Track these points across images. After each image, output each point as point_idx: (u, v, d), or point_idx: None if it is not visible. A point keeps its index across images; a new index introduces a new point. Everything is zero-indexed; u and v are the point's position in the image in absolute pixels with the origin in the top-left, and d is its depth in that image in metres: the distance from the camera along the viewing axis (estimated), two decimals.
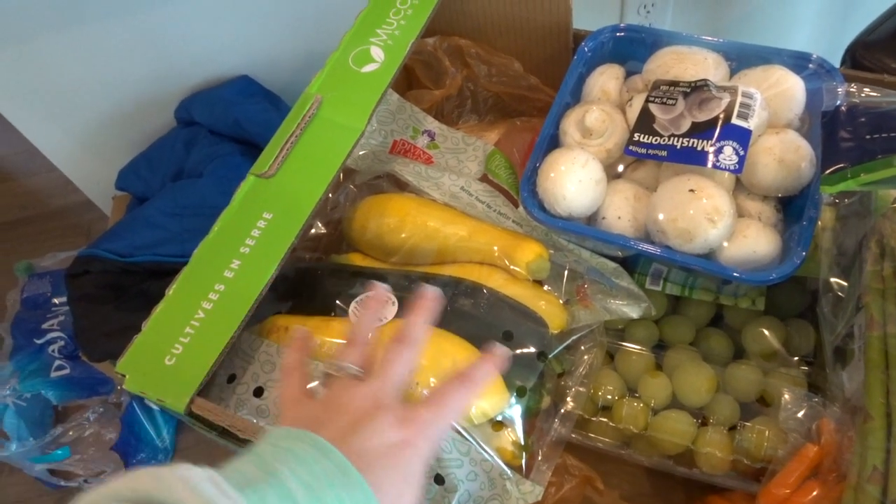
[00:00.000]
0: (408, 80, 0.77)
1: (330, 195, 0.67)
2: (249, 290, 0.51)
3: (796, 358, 0.55)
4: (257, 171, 0.57)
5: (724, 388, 0.55)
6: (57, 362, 1.05)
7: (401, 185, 0.66)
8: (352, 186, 0.67)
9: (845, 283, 0.50)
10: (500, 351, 0.39)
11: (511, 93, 0.74)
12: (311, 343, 0.44)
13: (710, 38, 0.60)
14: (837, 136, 0.47)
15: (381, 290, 0.44)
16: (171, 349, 0.49)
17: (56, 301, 1.11)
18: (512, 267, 0.56)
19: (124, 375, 0.49)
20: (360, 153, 0.68)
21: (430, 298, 0.40)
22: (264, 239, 0.53)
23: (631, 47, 0.63)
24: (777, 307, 0.58)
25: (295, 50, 1.01)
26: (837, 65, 0.83)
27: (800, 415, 0.50)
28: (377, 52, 0.64)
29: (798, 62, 0.57)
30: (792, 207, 0.54)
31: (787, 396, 0.50)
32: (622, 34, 0.63)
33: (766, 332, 0.56)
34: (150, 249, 0.87)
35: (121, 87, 0.95)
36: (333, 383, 0.38)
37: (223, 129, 0.97)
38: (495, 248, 0.57)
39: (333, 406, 0.36)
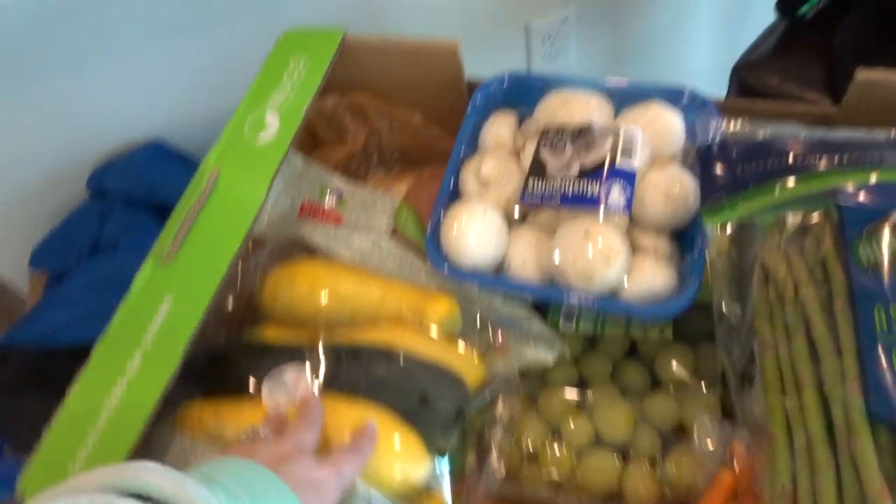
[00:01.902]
0: (312, 140, 0.77)
1: (240, 266, 0.66)
2: (153, 385, 0.49)
3: (705, 381, 0.57)
4: (156, 255, 0.55)
5: (644, 420, 0.57)
6: None
7: (312, 249, 0.66)
8: (262, 256, 0.66)
9: (738, 309, 0.52)
10: (370, 431, 0.47)
11: (415, 144, 0.75)
12: None
13: (593, 79, 0.62)
14: (713, 169, 0.49)
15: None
16: (75, 458, 0.47)
17: None
18: (425, 324, 0.56)
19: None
20: (268, 221, 0.68)
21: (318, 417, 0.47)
22: (167, 327, 0.52)
23: (521, 93, 0.65)
24: (686, 333, 0.59)
25: (208, 111, 1.00)
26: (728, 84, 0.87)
27: (711, 441, 0.51)
28: (273, 119, 0.64)
29: (673, 96, 0.59)
30: (685, 238, 0.56)
31: (698, 424, 0.52)
32: (511, 81, 0.65)
33: (674, 360, 0.58)
34: (70, 328, 0.84)
35: (29, 161, 0.91)
36: (253, 441, 0.43)
37: (138, 196, 0.95)
38: (406, 308, 0.57)
39: (258, 449, 0.41)
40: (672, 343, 0.59)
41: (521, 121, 0.64)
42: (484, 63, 1.16)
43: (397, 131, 0.74)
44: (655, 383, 0.61)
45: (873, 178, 0.44)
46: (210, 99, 0.98)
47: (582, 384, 0.61)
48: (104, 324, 0.88)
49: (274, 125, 0.63)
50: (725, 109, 0.58)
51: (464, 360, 0.56)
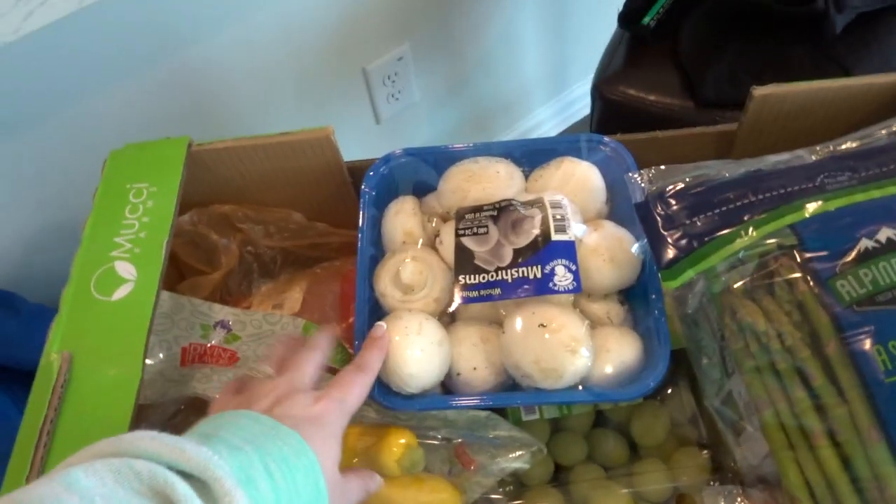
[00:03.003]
0: (178, 270, 0.65)
1: None
2: None
3: (685, 436, 0.53)
4: (7, 491, 0.41)
5: (641, 500, 0.52)
6: None
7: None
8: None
9: (707, 358, 0.48)
10: (378, 331, 0.47)
11: (300, 244, 0.65)
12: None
13: (493, 143, 0.56)
14: (659, 229, 0.45)
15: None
16: None
17: None
18: (383, 470, 0.47)
19: None
20: (146, 381, 0.55)
21: (327, 337, 0.46)
22: None
23: (415, 170, 0.57)
24: None
25: (19, 233, 0.83)
26: (586, 94, 0.85)
27: None
28: (125, 268, 0.51)
29: (581, 146, 0.55)
30: (633, 291, 0.52)
31: (705, 495, 0.48)
32: (400, 161, 0.57)
33: (651, 422, 0.53)
34: None
35: None
36: (253, 381, 0.42)
37: None
38: (355, 460, 0.47)
39: (255, 394, 0.40)
40: (641, 402, 0.55)
41: (422, 201, 0.57)
42: (329, 115, 1.08)
43: (276, 235, 0.64)
44: (632, 447, 0.56)
45: (827, 207, 0.42)
46: (21, 220, 0.82)
47: (558, 470, 0.56)
48: None
49: (130, 273, 0.51)
50: (634, 146, 0.54)
51: (435, 496, 0.48)
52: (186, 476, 0.29)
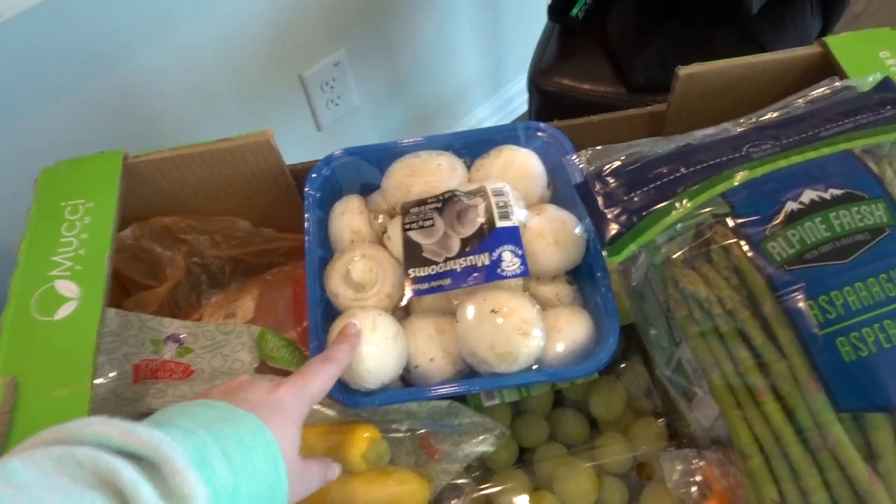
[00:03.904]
0: (122, 286, 0.63)
1: None
2: None
3: (641, 408, 0.55)
4: None
5: (604, 472, 0.53)
6: None
7: None
8: None
9: (658, 329, 0.50)
10: (352, 330, 0.46)
11: (248, 252, 0.64)
12: None
13: (433, 136, 0.57)
14: (599, 207, 0.47)
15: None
16: None
17: None
18: (349, 466, 0.47)
19: None
20: (99, 400, 0.53)
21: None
22: None
23: (357, 170, 0.57)
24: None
25: None
26: (524, 90, 0.87)
27: (681, 473, 0.49)
28: (67, 287, 0.50)
29: (519, 133, 0.56)
30: (580, 270, 0.53)
31: (662, 460, 0.49)
32: (342, 161, 0.57)
33: (608, 397, 0.55)
34: None
35: None
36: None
37: None
38: (321, 454, 0.47)
39: (212, 389, 0.40)
40: (597, 379, 0.56)
41: (367, 200, 0.57)
42: (270, 125, 1.07)
43: (222, 244, 0.63)
44: (592, 423, 0.58)
45: (754, 174, 0.44)
46: None
47: (522, 452, 0.57)
48: None
49: (72, 291, 0.50)
50: (570, 132, 0.56)
51: (403, 487, 0.49)
52: (137, 459, 0.29)
